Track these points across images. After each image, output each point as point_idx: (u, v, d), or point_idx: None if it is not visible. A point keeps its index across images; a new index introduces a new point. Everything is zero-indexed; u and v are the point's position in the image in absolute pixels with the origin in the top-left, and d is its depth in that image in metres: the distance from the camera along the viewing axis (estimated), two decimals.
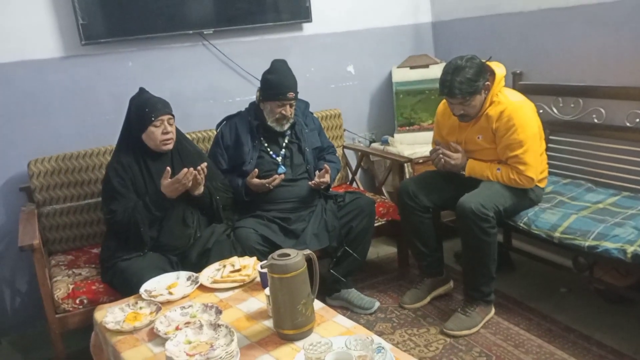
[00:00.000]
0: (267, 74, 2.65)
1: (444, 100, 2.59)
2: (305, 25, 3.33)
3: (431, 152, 2.64)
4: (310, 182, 2.64)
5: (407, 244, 2.91)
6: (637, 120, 2.56)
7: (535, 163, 2.43)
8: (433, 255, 2.70)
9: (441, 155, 2.55)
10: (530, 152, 2.41)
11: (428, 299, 2.72)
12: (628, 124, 2.60)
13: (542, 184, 2.58)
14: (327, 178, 2.63)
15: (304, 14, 3.26)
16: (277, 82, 2.59)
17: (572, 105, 2.84)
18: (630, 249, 2.06)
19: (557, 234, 2.31)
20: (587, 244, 2.19)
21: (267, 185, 2.56)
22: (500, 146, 2.45)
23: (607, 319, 2.45)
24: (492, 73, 2.44)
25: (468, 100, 2.39)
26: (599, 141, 2.71)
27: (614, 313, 2.49)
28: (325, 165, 2.66)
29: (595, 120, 2.74)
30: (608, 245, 2.13)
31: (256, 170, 2.57)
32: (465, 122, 2.53)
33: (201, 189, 2.37)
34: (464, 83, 2.34)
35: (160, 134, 2.31)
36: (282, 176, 2.60)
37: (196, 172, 2.27)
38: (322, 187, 2.66)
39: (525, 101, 2.49)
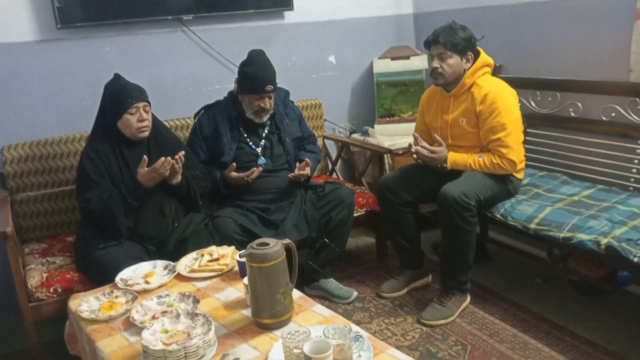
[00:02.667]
0: (244, 66, 2.60)
1: (431, 87, 2.65)
2: (287, 14, 3.31)
3: (409, 148, 2.61)
4: (290, 175, 2.63)
5: (388, 238, 2.92)
6: (613, 114, 2.61)
7: (517, 147, 2.46)
8: (414, 248, 2.73)
9: (415, 156, 2.54)
10: (512, 136, 2.44)
11: (405, 290, 2.75)
12: (604, 118, 2.64)
13: (520, 176, 2.61)
14: (307, 171, 2.62)
15: (285, 2, 3.24)
16: (254, 75, 2.54)
17: (550, 98, 2.88)
18: (604, 241, 2.09)
19: (532, 226, 2.34)
20: (562, 235, 2.23)
21: (245, 178, 2.54)
22: (483, 130, 2.47)
23: (580, 309, 2.50)
24: (479, 55, 2.50)
25: (447, 55, 2.44)
26: (575, 134, 2.76)
27: (587, 304, 2.54)
28: (307, 158, 2.65)
29: (572, 114, 2.78)
30: (582, 236, 2.16)
31: (234, 164, 2.54)
32: (440, 86, 2.55)
33: (179, 177, 2.34)
34: (448, 35, 2.44)
35: (135, 122, 2.27)
36: (260, 168, 2.57)
37: (174, 161, 2.24)
38: (302, 179, 2.65)
39: (508, 88, 2.53)
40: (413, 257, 2.74)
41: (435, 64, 2.49)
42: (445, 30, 2.46)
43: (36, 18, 2.69)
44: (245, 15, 3.17)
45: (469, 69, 2.49)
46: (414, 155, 2.54)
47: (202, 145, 2.66)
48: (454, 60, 2.46)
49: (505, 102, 2.45)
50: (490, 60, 2.55)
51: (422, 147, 2.53)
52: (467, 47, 2.46)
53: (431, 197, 2.54)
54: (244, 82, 2.58)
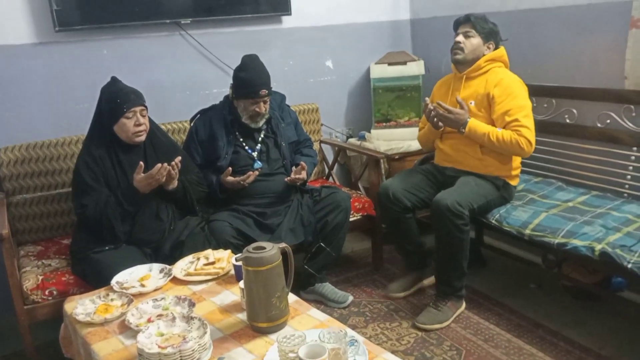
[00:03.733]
0: (238, 71, 2.60)
1: (444, 76, 2.78)
2: (285, 18, 3.32)
3: (425, 107, 2.58)
4: (286, 179, 2.63)
5: (393, 244, 2.96)
6: (608, 121, 2.62)
7: (533, 128, 2.48)
8: (418, 250, 2.74)
9: (433, 114, 2.51)
10: (528, 118, 2.47)
11: (413, 289, 2.77)
12: (599, 125, 2.66)
13: (515, 182, 2.63)
14: (303, 175, 2.62)
15: (283, 7, 3.25)
16: (248, 80, 2.53)
17: (545, 105, 2.89)
18: (598, 247, 2.11)
19: (527, 231, 2.35)
20: (556, 241, 2.24)
21: (242, 182, 2.54)
22: (497, 113, 2.49)
23: (574, 315, 2.51)
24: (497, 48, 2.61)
25: (472, 34, 2.55)
26: (570, 141, 2.77)
27: (581, 309, 2.55)
28: (302, 162, 2.65)
29: (567, 120, 2.80)
30: (577, 242, 2.18)
31: (230, 169, 2.54)
32: (455, 63, 2.61)
33: (175, 183, 2.33)
34: (479, 18, 2.58)
35: (132, 126, 2.26)
36: (257, 173, 2.56)
37: (170, 167, 2.23)
38: (299, 183, 2.66)
39: (523, 82, 2.59)
40: (418, 258, 2.76)
41: (459, 38, 2.58)
42: (477, 14, 2.60)
43: (34, 21, 2.69)
44: (243, 20, 3.18)
45: (487, 53, 2.58)
46: (432, 114, 2.53)
47: (199, 149, 2.66)
48: (476, 40, 2.55)
49: (519, 88, 2.53)
50: (507, 60, 2.64)
51: (438, 104, 2.52)
52: (491, 35, 2.58)
53: (428, 202, 2.56)
54: (238, 87, 2.58)
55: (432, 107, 2.51)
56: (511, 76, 2.57)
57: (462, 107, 2.51)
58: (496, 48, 2.61)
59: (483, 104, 2.54)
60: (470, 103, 2.56)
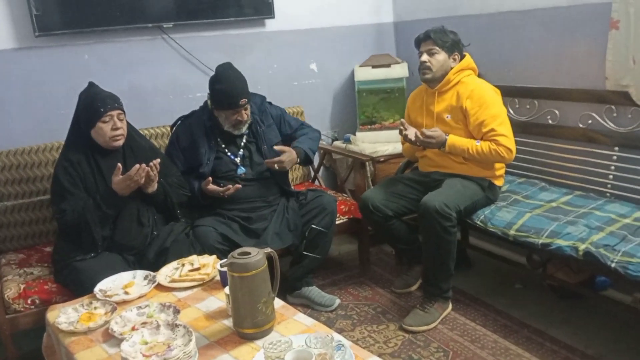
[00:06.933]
0: (214, 83, 2.55)
1: (416, 88, 2.77)
2: (268, 22, 3.31)
3: (400, 131, 2.60)
4: (265, 161, 2.58)
5: (387, 243, 3.03)
6: (590, 121, 2.65)
7: (510, 135, 2.50)
8: (413, 246, 2.76)
9: (412, 139, 2.54)
10: (504, 125, 2.49)
11: (418, 283, 2.81)
12: (581, 125, 2.69)
13: (500, 182, 2.65)
14: (282, 158, 2.55)
15: (266, 10, 3.24)
16: (226, 92, 2.49)
17: (528, 106, 2.92)
18: (582, 247, 2.12)
19: (512, 232, 2.37)
20: (540, 241, 2.25)
21: (221, 194, 2.51)
22: (473, 125, 2.51)
23: (559, 314, 2.53)
24: (464, 58, 2.60)
25: (436, 50, 2.54)
26: (553, 141, 2.80)
27: (566, 308, 2.57)
28: (283, 147, 2.60)
29: (550, 121, 2.82)
30: (561, 242, 2.19)
31: (210, 178, 2.51)
32: (425, 81, 2.61)
33: (155, 186, 2.30)
34: (439, 33, 2.56)
35: (109, 130, 2.23)
36: (238, 186, 2.52)
37: (149, 168, 2.21)
38: (276, 167, 2.55)
39: (493, 87, 2.61)
40: (416, 254, 2.76)
41: (424, 58, 2.57)
42: (436, 29, 2.58)
43: (14, 26, 2.65)
44: (226, 23, 3.16)
45: (454, 66, 2.58)
46: (411, 138, 2.55)
47: (180, 156, 2.63)
48: (442, 56, 2.55)
49: (492, 97, 2.54)
50: (475, 66, 2.64)
51: (418, 132, 2.54)
52: (454, 46, 2.57)
53: (413, 208, 2.58)
54: (217, 100, 2.54)
55: (407, 134, 2.54)
56: (482, 85, 2.58)
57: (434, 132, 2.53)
58: (462, 57, 2.61)
59: (459, 116, 2.55)
60: (447, 117, 2.58)
